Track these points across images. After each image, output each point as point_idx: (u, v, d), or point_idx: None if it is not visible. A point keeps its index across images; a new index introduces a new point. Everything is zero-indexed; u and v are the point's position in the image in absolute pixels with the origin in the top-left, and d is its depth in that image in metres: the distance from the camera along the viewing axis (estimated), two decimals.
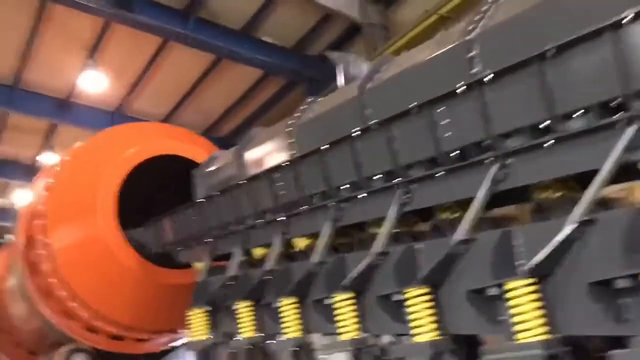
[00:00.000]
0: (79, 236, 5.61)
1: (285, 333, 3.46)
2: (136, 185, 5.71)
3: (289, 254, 3.98)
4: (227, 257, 4.45)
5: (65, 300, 5.71)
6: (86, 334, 5.96)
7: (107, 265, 5.54)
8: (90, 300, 5.61)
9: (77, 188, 5.77)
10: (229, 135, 14.05)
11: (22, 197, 19.82)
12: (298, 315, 3.43)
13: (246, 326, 3.86)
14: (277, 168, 3.74)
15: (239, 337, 3.96)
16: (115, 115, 13.24)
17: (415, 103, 2.71)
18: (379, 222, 2.99)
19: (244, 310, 3.86)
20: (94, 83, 12.28)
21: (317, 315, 3.26)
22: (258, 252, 4.17)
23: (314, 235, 3.70)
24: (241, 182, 4.08)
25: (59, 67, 12.44)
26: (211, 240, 4.49)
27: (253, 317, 3.85)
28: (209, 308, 4.29)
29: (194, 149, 6.17)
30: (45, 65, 12.27)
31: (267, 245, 4.00)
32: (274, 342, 3.65)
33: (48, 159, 14.44)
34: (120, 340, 6.02)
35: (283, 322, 3.44)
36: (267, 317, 3.74)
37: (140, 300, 5.69)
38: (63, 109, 13.43)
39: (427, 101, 2.67)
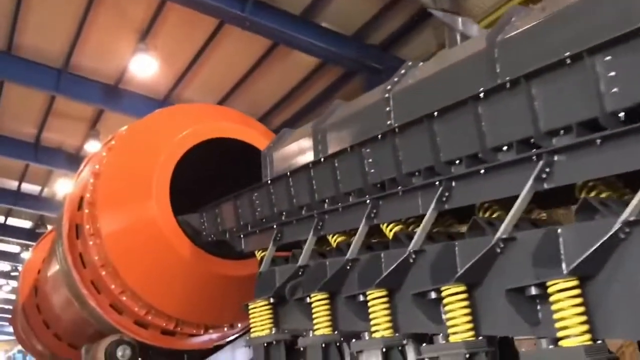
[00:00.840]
0: (130, 223, 5.18)
1: (374, 331, 3.02)
2: (185, 169, 5.29)
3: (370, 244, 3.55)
4: (291, 246, 4.03)
5: (114, 292, 5.36)
6: (135, 328, 5.54)
7: (160, 254, 5.10)
8: (140, 291, 5.17)
9: (128, 172, 5.37)
10: (279, 128, 13.54)
11: (65, 186, 20.07)
12: (387, 311, 2.98)
13: (321, 322, 3.44)
14: (369, 142, 3.28)
15: (310, 333, 3.57)
16: (164, 104, 13.00)
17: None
18: None
19: (319, 303, 3.43)
20: (144, 68, 11.99)
21: (415, 311, 2.78)
22: (335, 239, 3.71)
23: (406, 221, 3.26)
24: (321, 159, 3.63)
25: (109, 51, 12.22)
26: (279, 225, 4.05)
27: (328, 312, 3.42)
28: (274, 301, 3.86)
29: (251, 132, 5.74)
30: (96, 49, 12.07)
31: (345, 233, 3.57)
32: (358, 340, 3.20)
33: (94, 147, 14.38)
34: (171, 335, 5.62)
35: (372, 319, 3.00)
36: (347, 311, 3.26)
37: (193, 292, 5.26)
38: (111, 95, 13.20)
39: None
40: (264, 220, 4.20)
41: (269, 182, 4.09)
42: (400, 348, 3.03)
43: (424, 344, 2.87)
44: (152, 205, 5.15)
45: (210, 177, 5.76)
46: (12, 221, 23.61)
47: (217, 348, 6.29)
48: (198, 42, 11.61)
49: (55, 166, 17.64)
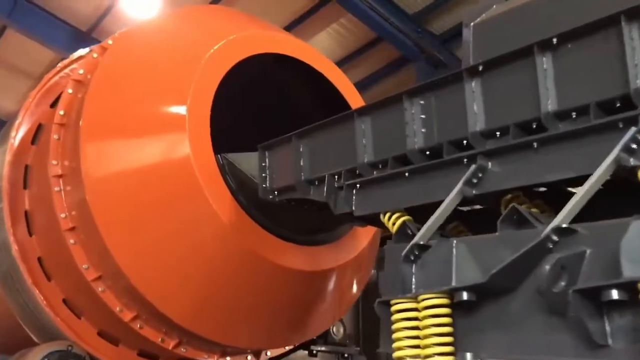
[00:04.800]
0: (140, 163, 3.25)
1: None
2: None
3: None
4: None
5: (82, 277, 3.32)
6: (97, 341, 3.52)
7: (183, 218, 3.16)
8: (136, 277, 3.18)
9: (141, 86, 3.47)
10: None
11: None
12: None
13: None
14: None
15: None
16: None
17: None
18: None
19: None
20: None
21: None
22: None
23: None
24: None
25: None
26: (475, 158, 2.15)
27: None
28: (468, 297, 1.94)
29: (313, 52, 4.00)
30: None
31: None
32: None
33: None
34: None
35: None
36: None
37: (224, 289, 3.25)
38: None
39: None
40: (427, 152, 2.31)
41: (475, 70, 2.19)
42: None
43: None
44: (182, 138, 3.17)
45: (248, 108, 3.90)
46: None
47: None
48: None
49: None
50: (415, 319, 2.01)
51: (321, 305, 3.84)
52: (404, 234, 2.35)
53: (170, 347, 3.41)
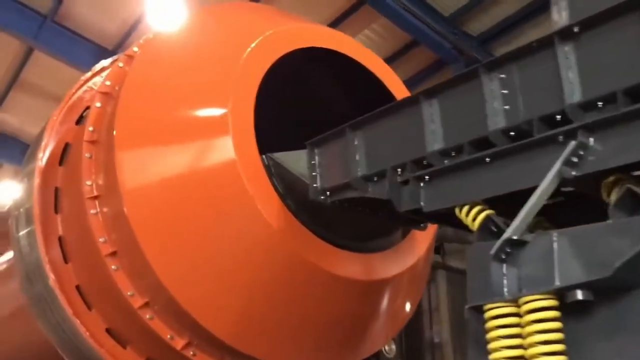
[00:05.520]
0: (181, 171, 2.99)
1: None
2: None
3: None
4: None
5: (128, 304, 3.06)
6: None
7: (231, 226, 2.89)
8: (183, 297, 2.91)
9: (175, 91, 3.21)
10: None
11: (12, 191, 17.46)
12: None
13: None
14: None
15: None
16: None
17: None
18: None
19: None
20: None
21: None
22: None
23: None
24: None
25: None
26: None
27: None
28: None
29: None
30: None
31: None
32: None
33: None
34: None
35: None
36: None
37: (274, 301, 2.97)
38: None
39: None
40: (512, 133, 2.01)
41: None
42: None
43: None
44: (226, 141, 2.93)
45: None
46: None
47: None
48: None
49: (6, 159, 15.19)
50: (517, 325, 1.71)
51: (376, 320, 3.53)
52: (488, 230, 2.05)
53: None
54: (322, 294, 3.07)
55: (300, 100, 3.78)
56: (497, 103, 2.01)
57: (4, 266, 4.40)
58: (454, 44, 9.05)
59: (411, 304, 3.85)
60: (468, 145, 2.12)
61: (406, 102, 2.39)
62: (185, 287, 2.91)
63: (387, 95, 3.62)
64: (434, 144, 2.23)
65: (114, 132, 3.12)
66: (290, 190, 3.00)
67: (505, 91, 2.00)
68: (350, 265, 3.11)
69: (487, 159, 2.05)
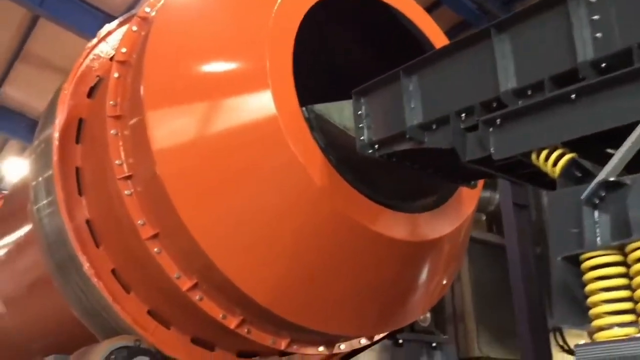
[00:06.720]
0: (216, 126, 2.81)
1: None
2: None
3: None
4: None
5: (160, 269, 2.91)
6: (191, 348, 3.15)
7: (272, 185, 2.72)
8: (224, 262, 2.74)
9: (206, 39, 3.02)
10: None
11: (17, 168, 17.28)
12: None
13: None
14: None
15: None
16: None
17: None
18: None
19: None
20: None
21: None
22: None
23: None
24: None
25: None
26: None
27: None
28: None
29: None
30: None
31: None
32: None
33: None
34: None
35: None
36: None
37: (323, 260, 2.81)
38: None
39: None
40: (603, 65, 1.81)
41: None
42: None
43: None
44: (265, 95, 2.73)
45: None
46: None
47: None
48: None
49: (11, 133, 15.04)
50: (624, 275, 1.53)
51: (419, 286, 3.36)
52: (571, 175, 1.86)
53: (281, 346, 3.06)
54: (367, 255, 2.90)
55: (330, 54, 3.59)
56: (587, 31, 1.80)
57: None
58: (478, 4, 8.77)
59: (453, 270, 3.68)
60: (549, 81, 1.91)
61: (472, 39, 2.18)
62: (232, 259, 2.76)
63: (422, 48, 3.41)
64: (507, 83, 2.03)
65: (142, 94, 2.92)
66: (333, 145, 2.81)
67: (596, 17, 1.80)
68: (396, 225, 2.93)
69: (572, 96, 1.85)
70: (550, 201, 1.87)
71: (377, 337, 3.72)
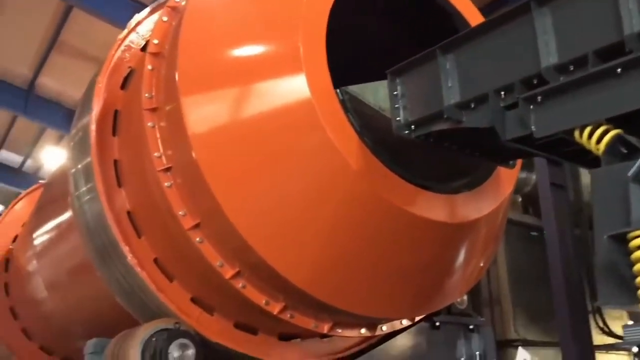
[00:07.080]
0: (252, 110, 2.81)
1: None
2: None
3: None
4: None
5: (222, 274, 2.95)
6: (235, 333, 3.21)
7: (307, 168, 2.72)
8: (262, 245, 2.78)
9: (240, 23, 3.02)
10: None
11: (55, 157, 17.57)
12: None
13: None
14: None
15: None
16: None
17: None
18: None
19: None
20: None
21: None
22: None
23: None
24: None
25: None
26: None
27: None
28: None
29: None
30: None
31: None
32: None
33: None
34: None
35: None
36: None
37: (360, 243, 2.80)
38: None
39: None
40: None
41: None
42: None
43: None
44: (299, 77, 2.71)
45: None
46: None
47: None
48: None
49: (48, 123, 15.31)
50: None
51: (456, 269, 3.32)
52: (617, 151, 1.81)
53: (324, 329, 3.08)
54: (404, 237, 2.87)
55: (361, 34, 3.55)
56: (633, 1, 1.74)
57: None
58: None
59: (491, 253, 3.63)
60: (593, 55, 1.86)
61: (510, 15, 2.13)
62: (267, 240, 2.78)
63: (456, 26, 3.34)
64: (549, 58, 1.98)
65: (176, 81, 2.93)
66: (368, 127, 2.78)
67: None
68: (433, 207, 2.89)
69: (618, 70, 1.79)
70: (595, 179, 1.81)
71: (417, 318, 3.69)
